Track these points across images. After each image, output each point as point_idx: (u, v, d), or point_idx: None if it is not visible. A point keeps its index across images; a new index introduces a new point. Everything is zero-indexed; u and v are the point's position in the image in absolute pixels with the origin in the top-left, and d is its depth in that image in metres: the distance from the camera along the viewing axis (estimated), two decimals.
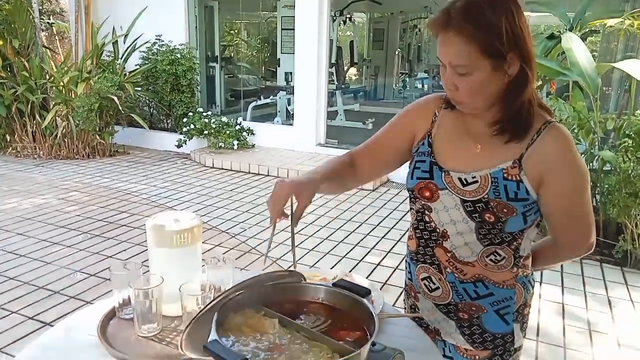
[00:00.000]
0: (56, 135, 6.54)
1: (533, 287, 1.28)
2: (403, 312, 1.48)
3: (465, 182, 1.14)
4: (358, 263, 3.69)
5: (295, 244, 1.16)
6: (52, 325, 2.50)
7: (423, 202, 1.22)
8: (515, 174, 1.10)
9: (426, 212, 1.23)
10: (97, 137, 6.67)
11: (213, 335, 0.86)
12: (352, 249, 3.91)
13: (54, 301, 3.03)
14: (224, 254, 3.74)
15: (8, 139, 6.78)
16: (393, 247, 4.01)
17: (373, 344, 0.99)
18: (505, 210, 1.11)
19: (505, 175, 1.11)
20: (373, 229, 4.34)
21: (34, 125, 6.64)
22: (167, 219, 1.29)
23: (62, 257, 3.66)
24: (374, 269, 3.61)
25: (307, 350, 0.90)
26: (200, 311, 0.96)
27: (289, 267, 1.19)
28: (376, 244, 4.04)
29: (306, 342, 0.92)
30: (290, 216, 1.12)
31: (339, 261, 3.69)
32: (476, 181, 1.13)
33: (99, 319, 1.25)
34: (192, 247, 1.28)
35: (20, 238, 3.97)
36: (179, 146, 6.87)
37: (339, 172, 1.27)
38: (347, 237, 4.19)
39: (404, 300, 1.43)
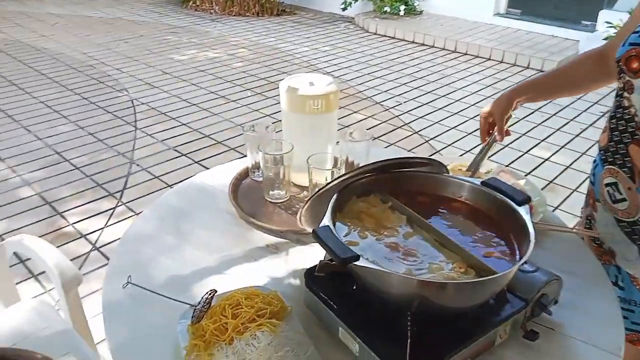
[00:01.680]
0: None
1: None
2: (576, 220, 1.22)
3: None
4: (522, 155, 3.28)
5: (484, 156, 1.18)
6: None
7: (627, 78, 0.93)
8: None
9: (626, 93, 0.93)
10: None
11: (327, 220, 0.75)
12: (517, 138, 3.46)
13: (217, 150, 3.29)
14: (368, 128, 3.63)
15: None
16: (570, 141, 3.46)
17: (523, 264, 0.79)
18: None
19: None
20: (547, 119, 3.77)
21: None
22: (302, 81, 1.16)
23: (227, 110, 3.91)
24: (540, 164, 3.19)
25: (436, 258, 0.73)
26: (321, 188, 0.85)
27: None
28: (548, 136, 3.52)
29: (437, 248, 0.76)
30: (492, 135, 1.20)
31: (498, 151, 3.31)
32: None
33: (232, 176, 1.25)
34: (326, 115, 1.15)
35: (194, 88, 4.31)
36: (344, 9, 6.58)
37: (566, 73, 1.19)
38: (512, 124, 3.72)
39: (581, 209, 1.17)
